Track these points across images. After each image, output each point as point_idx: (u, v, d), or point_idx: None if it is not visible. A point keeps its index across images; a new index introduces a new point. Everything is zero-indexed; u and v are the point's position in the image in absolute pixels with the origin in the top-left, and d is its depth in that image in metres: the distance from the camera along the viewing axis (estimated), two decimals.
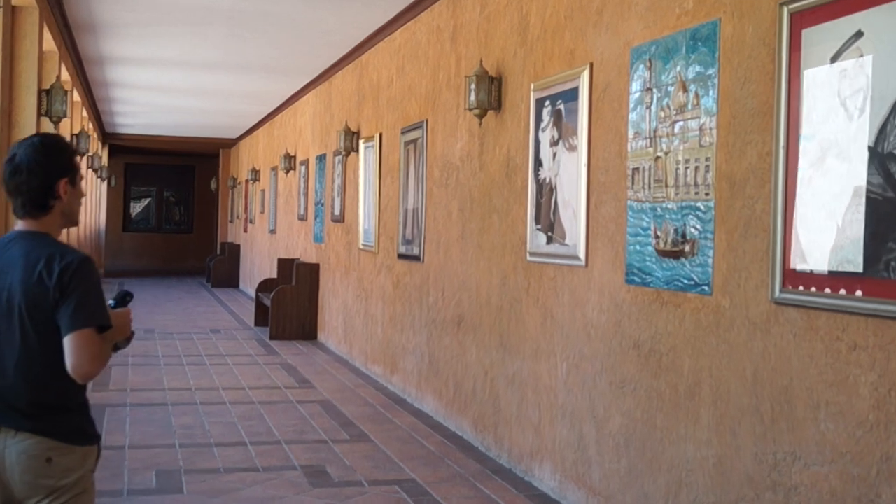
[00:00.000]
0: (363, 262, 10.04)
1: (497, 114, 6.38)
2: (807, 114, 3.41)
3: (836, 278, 3.25)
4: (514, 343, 6.05)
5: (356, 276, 10.33)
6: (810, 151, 3.38)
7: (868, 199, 3.11)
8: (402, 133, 8.59)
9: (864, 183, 3.13)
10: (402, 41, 8.74)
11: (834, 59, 3.28)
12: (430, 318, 7.75)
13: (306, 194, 13.39)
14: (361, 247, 10.07)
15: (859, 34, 3.17)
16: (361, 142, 10.13)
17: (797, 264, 3.44)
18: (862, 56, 3.16)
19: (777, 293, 3.54)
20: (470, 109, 6.43)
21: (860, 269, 3.15)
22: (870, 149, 3.10)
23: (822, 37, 3.34)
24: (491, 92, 6.34)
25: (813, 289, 3.36)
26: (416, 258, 8.08)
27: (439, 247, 7.54)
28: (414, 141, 8.22)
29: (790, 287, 3.48)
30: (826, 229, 3.29)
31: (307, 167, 13.36)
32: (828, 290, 3.28)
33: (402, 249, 8.54)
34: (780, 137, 3.53)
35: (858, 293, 3.14)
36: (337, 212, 11.32)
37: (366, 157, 9.95)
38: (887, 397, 3.06)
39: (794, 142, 3.47)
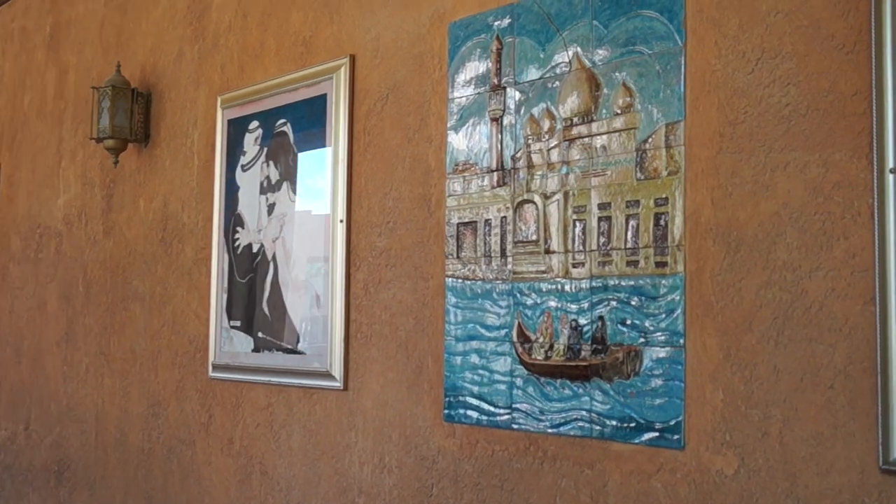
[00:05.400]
0: None
1: (142, 149, 4.13)
2: None
3: None
4: None
5: None
6: None
7: None
8: None
9: None
10: None
11: None
12: (4, 463, 5.09)
13: None
14: None
15: None
16: None
17: None
18: None
19: None
20: (100, 139, 4.09)
21: None
22: None
23: None
24: (133, 114, 4.09)
25: None
26: None
27: (21, 355, 4.97)
28: None
29: None
30: None
31: None
32: None
33: None
34: None
35: None
36: None
37: None
38: None
39: None
